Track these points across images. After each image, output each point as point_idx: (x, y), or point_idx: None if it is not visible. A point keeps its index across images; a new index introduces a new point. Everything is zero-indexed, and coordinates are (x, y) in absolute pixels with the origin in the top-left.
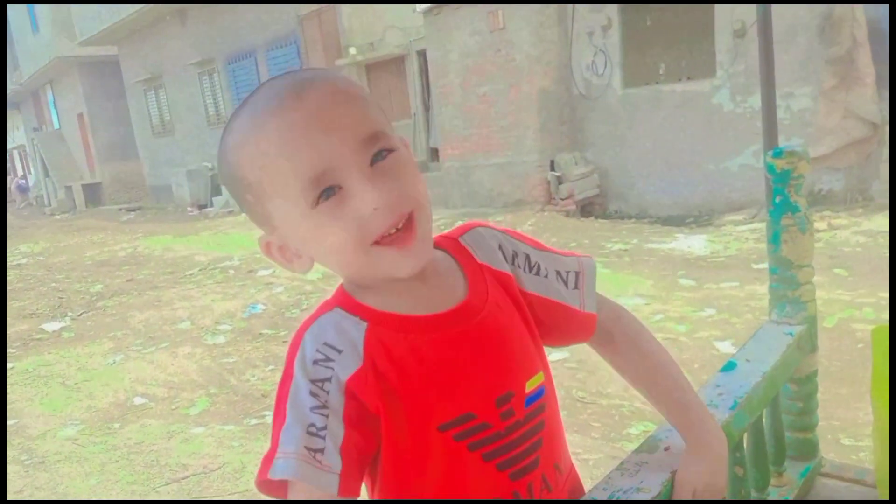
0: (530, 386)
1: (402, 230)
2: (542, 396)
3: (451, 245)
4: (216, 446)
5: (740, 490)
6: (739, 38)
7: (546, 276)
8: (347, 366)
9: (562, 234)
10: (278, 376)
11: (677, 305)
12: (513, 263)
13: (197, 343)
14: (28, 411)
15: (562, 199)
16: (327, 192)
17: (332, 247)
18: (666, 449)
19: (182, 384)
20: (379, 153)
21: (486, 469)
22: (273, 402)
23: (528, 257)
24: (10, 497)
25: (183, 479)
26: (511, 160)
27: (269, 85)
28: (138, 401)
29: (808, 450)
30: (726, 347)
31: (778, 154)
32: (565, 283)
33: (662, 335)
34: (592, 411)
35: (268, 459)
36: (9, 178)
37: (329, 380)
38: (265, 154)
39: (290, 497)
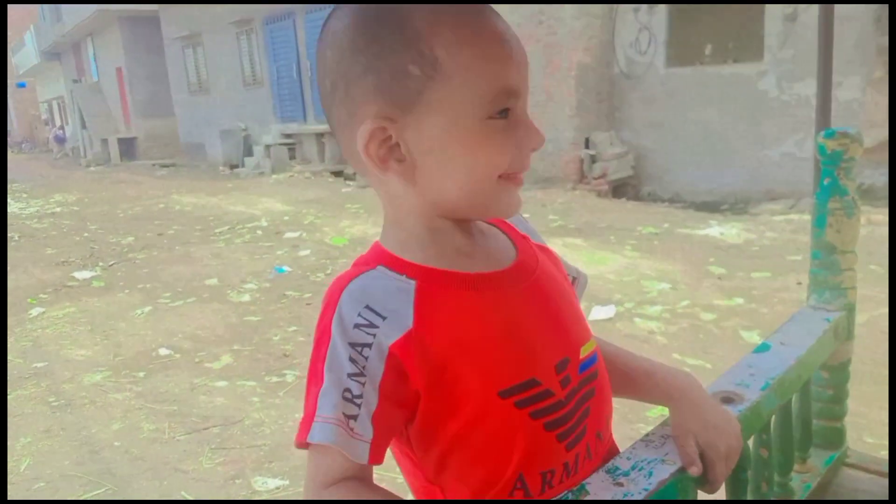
0: (584, 352)
1: (521, 176)
2: (595, 363)
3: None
4: (237, 400)
5: (764, 472)
6: (790, 22)
7: None
8: (392, 331)
9: (592, 214)
10: (300, 337)
11: (706, 293)
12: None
13: (223, 300)
14: (56, 355)
15: (594, 179)
16: (504, 112)
17: (476, 162)
18: None
19: (207, 339)
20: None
21: (547, 439)
22: (302, 361)
23: (541, 248)
24: (40, 432)
25: (203, 429)
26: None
27: None
28: (163, 352)
29: (835, 438)
30: (753, 338)
31: (830, 135)
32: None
33: (688, 321)
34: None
35: (306, 421)
36: (46, 128)
37: (369, 346)
38: (467, 42)
39: (323, 460)
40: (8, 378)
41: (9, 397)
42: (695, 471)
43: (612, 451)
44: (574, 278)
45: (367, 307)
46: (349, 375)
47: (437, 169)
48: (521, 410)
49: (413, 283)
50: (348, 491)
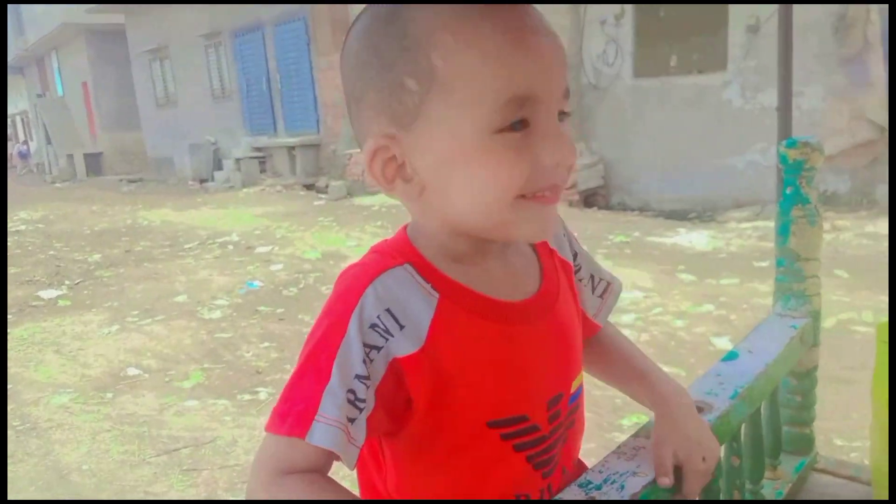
0: (575, 385)
1: (551, 195)
2: (580, 395)
3: None
4: (208, 420)
5: (735, 480)
6: (752, 33)
7: (581, 279)
8: (405, 344)
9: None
10: (273, 354)
11: (676, 300)
12: (573, 259)
13: (193, 317)
14: (22, 377)
15: (565, 189)
16: (517, 123)
17: (481, 182)
18: None
19: (176, 357)
20: (563, 112)
21: (525, 468)
22: (275, 378)
23: (576, 255)
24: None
25: (174, 451)
26: None
27: None
28: (132, 371)
29: (804, 444)
30: (724, 343)
31: (791, 144)
32: (593, 289)
33: (659, 329)
34: (586, 401)
35: (298, 416)
36: (10, 143)
37: (379, 349)
38: (470, 44)
39: (289, 451)
40: None
41: None
42: (665, 482)
43: (580, 466)
44: (608, 283)
45: (388, 311)
46: (357, 377)
47: (444, 189)
48: (505, 442)
49: (436, 297)
50: (309, 484)
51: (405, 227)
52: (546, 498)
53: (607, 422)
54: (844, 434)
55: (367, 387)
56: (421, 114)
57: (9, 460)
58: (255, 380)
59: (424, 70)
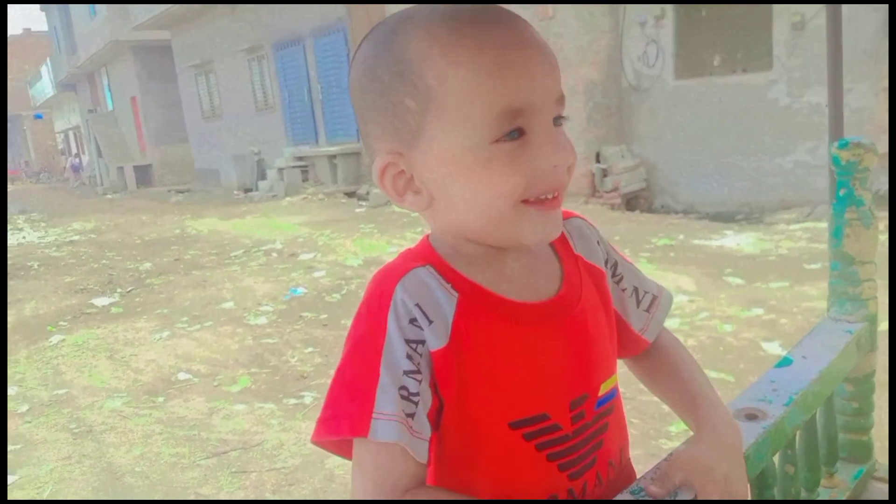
0: (604, 388)
1: (553, 198)
2: (613, 399)
3: None
4: (256, 423)
5: (790, 489)
6: (798, 30)
7: (623, 290)
8: (434, 340)
9: (606, 229)
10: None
11: (723, 304)
12: (605, 264)
13: (239, 323)
14: (77, 382)
15: (606, 192)
16: (513, 132)
17: (484, 191)
18: None
19: (224, 362)
20: (559, 117)
21: (549, 468)
22: (320, 382)
23: (616, 265)
24: (62, 459)
25: (223, 453)
26: None
27: (473, 5)
28: (182, 376)
29: (862, 452)
30: (774, 348)
31: (844, 145)
32: (638, 302)
33: (706, 334)
34: (631, 407)
35: (355, 416)
36: (63, 157)
37: (423, 342)
38: (461, 63)
39: (383, 461)
40: (29, 406)
41: (31, 424)
42: (651, 489)
43: (629, 474)
44: (654, 296)
45: (418, 306)
46: (406, 373)
47: (451, 200)
48: (528, 442)
49: (456, 296)
50: (433, 494)
51: (427, 235)
52: (577, 496)
53: (654, 429)
54: None
55: (419, 381)
56: (422, 132)
57: (66, 462)
58: (301, 384)
59: (421, 91)
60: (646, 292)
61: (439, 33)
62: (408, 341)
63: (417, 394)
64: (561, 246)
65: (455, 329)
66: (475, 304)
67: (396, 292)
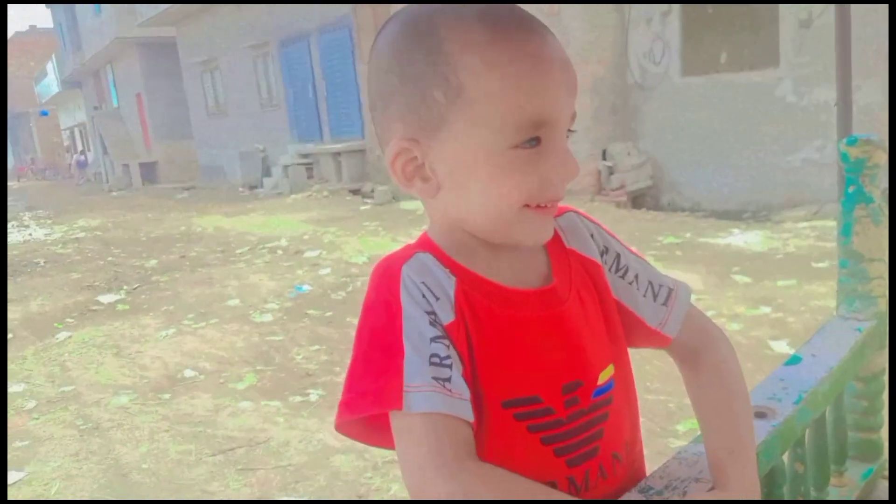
0: (602, 378)
1: (551, 205)
2: (612, 389)
3: None
4: (262, 421)
5: (799, 487)
6: (805, 28)
7: (631, 283)
8: (444, 314)
9: (612, 226)
10: (323, 356)
11: (731, 302)
12: (601, 257)
13: (245, 320)
14: (83, 379)
15: (613, 190)
16: (532, 140)
17: (494, 191)
18: None
19: (230, 359)
20: (569, 130)
21: (544, 452)
22: (325, 380)
23: (618, 257)
24: (69, 456)
25: (229, 450)
26: None
27: (508, 7)
28: (188, 373)
29: (872, 451)
30: (782, 347)
31: (852, 142)
32: (654, 296)
33: None
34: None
35: (385, 391)
36: (69, 154)
37: (437, 315)
38: (498, 66)
39: (434, 431)
40: (36, 402)
41: (38, 421)
42: None
43: (639, 470)
44: (671, 289)
45: (424, 284)
46: (433, 339)
47: (458, 193)
48: (519, 422)
49: (454, 279)
50: (492, 469)
51: (426, 231)
52: (580, 487)
53: (661, 427)
54: None
55: (447, 346)
56: (445, 124)
57: (73, 459)
58: (306, 382)
59: (452, 85)
60: (661, 286)
61: (478, 33)
62: (427, 312)
63: (448, 357)
64: (552, 242)
65: (458, 305)
66: (470, 287)
67: (404, 271)
